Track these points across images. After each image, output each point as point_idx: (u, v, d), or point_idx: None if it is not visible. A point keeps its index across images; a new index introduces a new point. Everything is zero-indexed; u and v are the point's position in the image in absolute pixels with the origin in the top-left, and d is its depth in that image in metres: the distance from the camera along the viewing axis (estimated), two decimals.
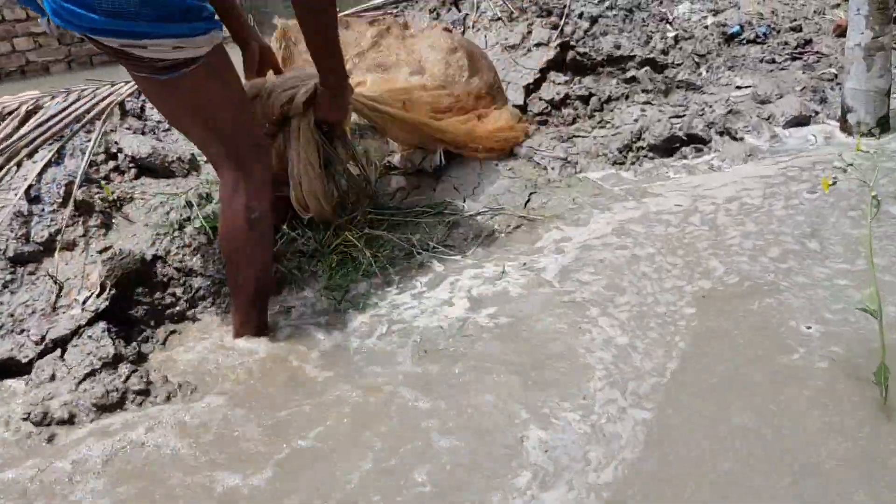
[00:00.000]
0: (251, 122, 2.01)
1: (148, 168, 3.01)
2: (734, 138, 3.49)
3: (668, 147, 3.45)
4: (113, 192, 2.85)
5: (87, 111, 3.21)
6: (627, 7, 4.21)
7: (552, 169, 3.38)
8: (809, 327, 2.16)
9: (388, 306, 2.54)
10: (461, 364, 2.13)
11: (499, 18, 4.08)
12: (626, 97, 3.91)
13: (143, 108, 3.30)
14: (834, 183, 1.68)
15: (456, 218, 2.99)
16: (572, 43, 4.03)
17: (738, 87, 4.02)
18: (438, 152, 3.24)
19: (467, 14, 4.14)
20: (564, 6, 4.11)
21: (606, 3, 4.18)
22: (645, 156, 3.44)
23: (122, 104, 3.28)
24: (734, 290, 2.41)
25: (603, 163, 3.42)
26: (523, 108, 3.77)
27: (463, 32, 4.10)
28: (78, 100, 3.29)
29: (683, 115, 3.62)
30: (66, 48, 7.23)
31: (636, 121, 3.62)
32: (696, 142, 3.46)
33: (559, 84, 3.83)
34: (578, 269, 2.62)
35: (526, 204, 3.10)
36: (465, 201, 3.10)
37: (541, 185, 3.23)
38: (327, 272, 2.73)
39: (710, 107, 3.75)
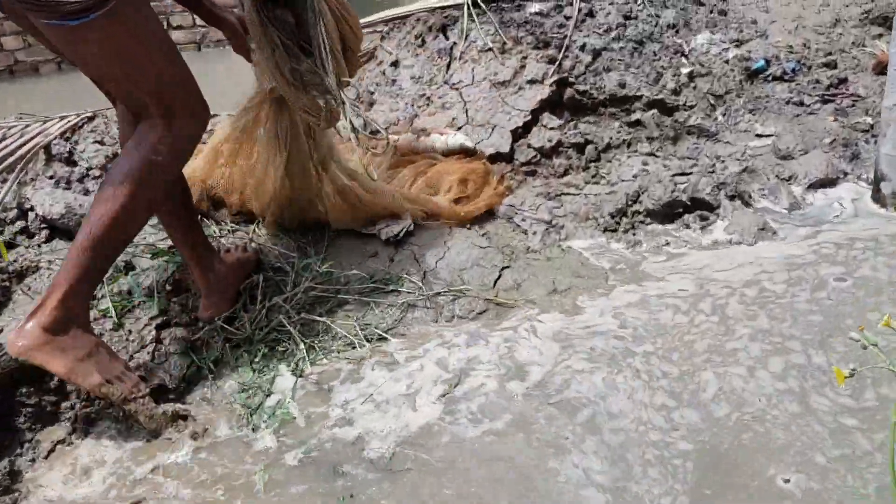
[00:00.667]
0: (181, 73, 1.81)
1: (62, 230, 2.63)
2: (747, 204, 3.02)
3: (668, 213, 2.99)
4: (14, 260, 2.47)
5: (9, 154, 2.84)
6: (637, 38, 3.73)
7: (534, 234, 2.94)
8: (788, 480, 1.76)
9: (310, 421, 2.14)
10: None
11: (489, 49, 3.63)
12: (628, 145, 3.45)
13: (71, 153, 2.92)
14: (851, 375, 1.23)
15: (412, 298, 2.57)
16: (571, 79, 3.58)
17: (759, 136, 3.54)
18: (404, 224, 2.84)
19: (455, 43, 3.69)
20: (564, 37, 3.65)
21: (612, 35, 3.70)
22: (641, 222, 2.99)
23: (48, 147, 2.90)
24: (714, 421, 2.00)
25: (592, 228, 2.98)
26: (509, 157, 3.33)
27: (449, 64, 3.67)
28: (1, 140, 2.93)
29: (690, 173, 3.16)
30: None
31: (635, 177, 3.16)
32: (702, 208, 3.00)
33: (552, 129, 3.38)
34: (550, 376, 2.21)
35: (496, 282, 2.67)
36: (425, 276, 2.68)
37: (517, 256, 2.80)
38: (248, 367, 2.34)
39: (723, 162, 3.28)
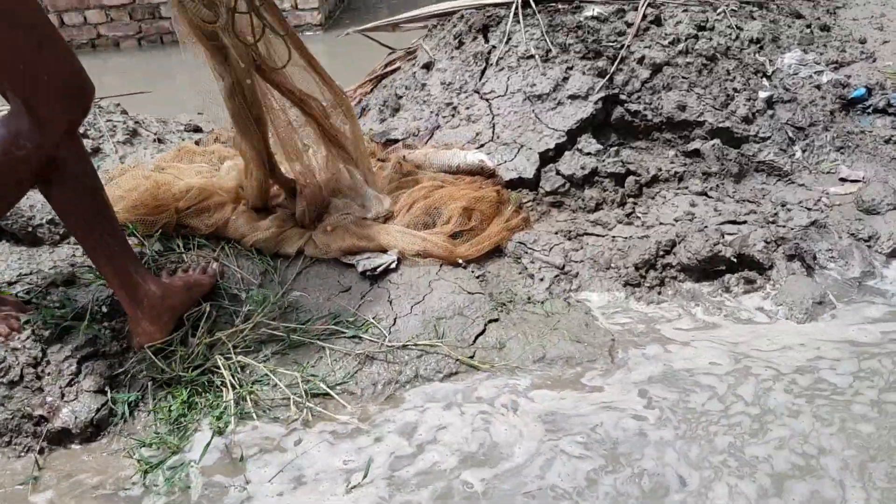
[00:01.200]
0: (61, 62, 1.62)
1: (5, 231, 2.40)
2: (808, 268, 2.46)
3: (707, 270, 2.48)
4: None
5: None
6: (709, 54, 3.18)
7: (540, 280, 2.50)
8: None
9: (206, 498, 1.82)
10: None
11: (531, 56, 3.17)
12: (679, 179, 2.93)
13: None
14: None
15: (373, 350, 2.20)
16: (622, 97, 3.08)
17: (842, 180, 2.94)
18: (386, 259, 2.47)
19: (494, 47, 3.25)
20: (621, 46, 3.14)
21: (679, 47, 3.17)
22: (672, 278, 2.50)
23: None
24: None
25: (612, 280, 2.50)
26: (534, 183, 2.88)
27: (483, 70, 3.23)
28: None
29: (743, 222, 2.62)
30: (136, 24, 6.89)
31: (676, 221, 2.65)
32: (751, 267, 2.47)
33: (588, 154, 2.91)
34: (525, 467, 1.82)
35: (477, 338, 2.26)
36: (395, 323, 2.29)
37: (512, 307, 2.37)
38: (165, 416, 2.03)
39: (788, 210, 2.72)
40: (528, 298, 2.45)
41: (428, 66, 3.43)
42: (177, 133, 3.41)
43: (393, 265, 2.46)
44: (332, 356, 2.20)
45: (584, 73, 3.11)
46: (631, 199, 2.87)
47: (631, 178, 2.90)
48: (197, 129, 3.49)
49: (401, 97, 3.45)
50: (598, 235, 2.68)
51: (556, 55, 3.18)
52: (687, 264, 2.48)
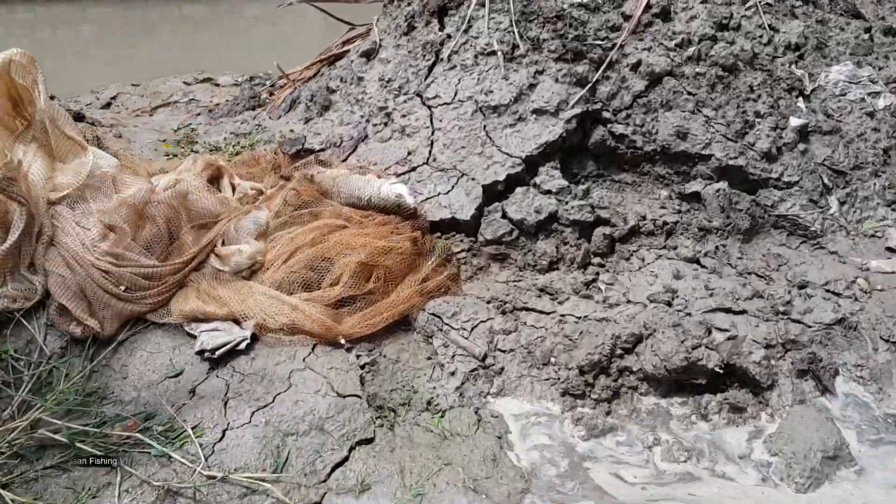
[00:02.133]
0: None
1: None
2: (825, 389, 1.73)
3: (679, 382, 1.76)
4: None
5: None
6: (727, 62, 2.40)
7: (451, 375, 1.82)
8: None
9: None
10: None
11: (492, 52, 2.43)
12: (668, 234, 2.20)
13: None
14: None
15: (180, 481, 1.55)
16: (607, 114, 2.33)
17: (891, 251, 2.17)
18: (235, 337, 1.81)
19: (449, 36, 2.51)
20: (613, 45, 2.38)
21: (689, 51, 2.40)
22: (631, 388, 1.79)
23: None
24: None
25: (547, 386, 1.81)
26: (471, 228, 2.17)
27: (432, 67, 2.50)
28: None
29: (742, 311, 1.89)
30: None
31: (650, 302, 1.93)
32: (742, 383, 1.75)
33: (548, 192, 2.18)
34: None
35: (333, 471, 1.59)
36: (222, 437, 1.64)
37: (400, 419, 1.70)
38: None
39: (809, 297, 1.98)
40: (428, 404, 1.76)
41: (368, 55, 2.71)
42: None
43: (243, 345, 1.78)
44: (125, 484, 1.55)
45: (557, 80, 2.36)
46: (597, 260, 2.14)
47: (601, 231, 2.17)
48: (79, 118, 2.83)
49: (333, 91, 2.74)
50: (541, 312, 1.97)
51: (524, 53, 2.43)
52: (652, 373, 1.77)
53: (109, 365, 1.80)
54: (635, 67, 2.38)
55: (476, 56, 2.46)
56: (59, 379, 1.73)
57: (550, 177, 2.23)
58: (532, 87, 2.38)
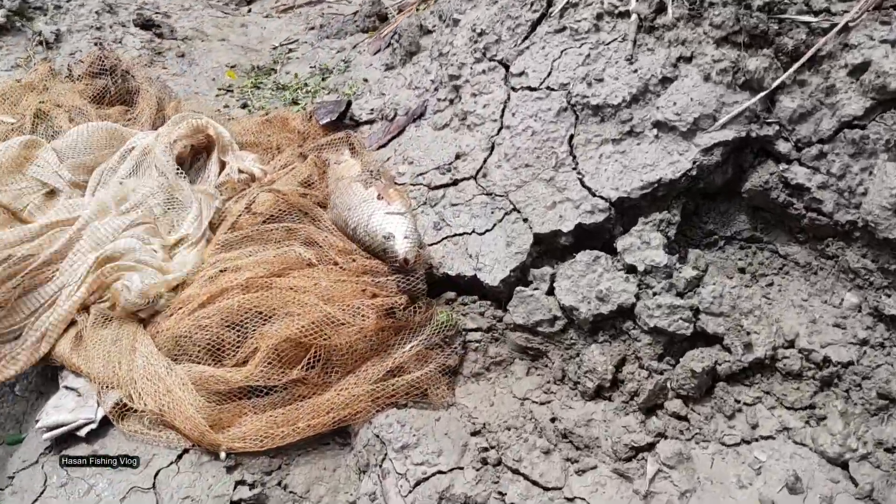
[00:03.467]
0: None
1: None
2: None
3: None
4: None
5: None
6: None
7: None
8: None
9: None
10: None
11: (624, 13, 1.55)
12: (822, 387, 1.28)
13: None
14: None
15: None
16: (785, 146, 1.41)
17: None
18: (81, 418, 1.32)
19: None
20: (831, 26, 1.40)
21: None
22: None
23: None
24: None
25: None
26: (498, 298, 1.43)
27: (535, 25, 1.68)
28: None
29: None
30: None
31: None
32: None
33: (631, 270, 1.36)
34: None
35: None
36: None
37: None
38: None
39: None
40: None
41: None
42: None
43: (83, 432, 1.28)
44: None
45: (709, 78, 1.45)
46: (675, 403, 1.30)
47: (699, 356, 1.30)
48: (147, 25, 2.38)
49: (427, 33, 2.02)
50: (537, 485, 1.21)
51: (670, 23, 1.51)
52: None
53: None
54: (856, 72, 1.37)
55: (598, 17, 1.58)
56: None
57: (645, 242, 1.37)
58: (666, 81, 1.48)
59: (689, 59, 1.49)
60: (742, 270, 1.48)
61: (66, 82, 1.98)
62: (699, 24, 1.49)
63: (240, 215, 1.53)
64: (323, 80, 2.17)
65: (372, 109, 1.85)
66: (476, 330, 1.44)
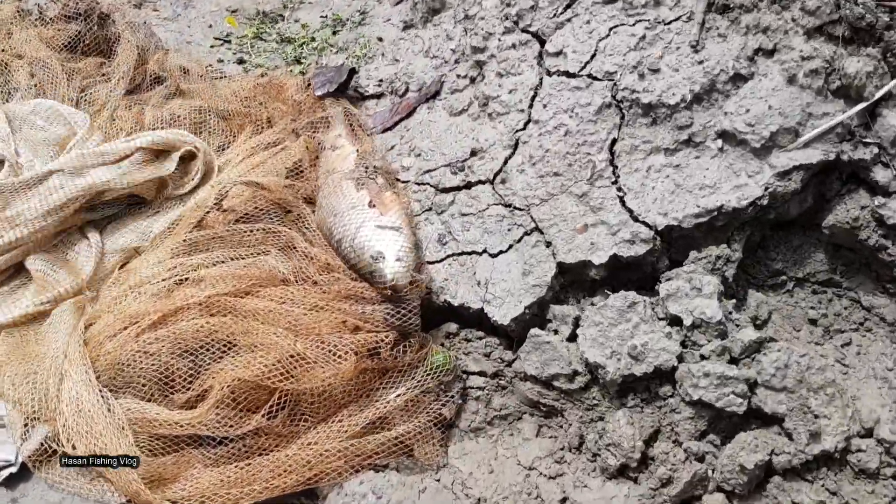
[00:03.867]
0: None
1: None
2: None
3: None
4: None
5: None
6: None
7: None
8: None
9: None
10: None
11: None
12: None
13: None
14: None
15: None
16: (884, 176, 1.10)
17: None
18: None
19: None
20: None
21: None
22: None
23: None
24: None
25: None
26: (508, 338, 1.18)
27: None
28: None
29: None
30: None
31: None
32: None
33: (676, 322, 1.08)
34: None
35: None
36: None
37: None
38: None
39: None
40: None
41: None
42: None
43: (9, 471, 1.08)
44: None
45: (794, 80, 1.15)
46: (718, 496, 1.04)
47: (751, 443, 1.04)
48: None
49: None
50: None
51: (752, 4, 1.20)
52: None
53: None
54: None
55: None
56: None
57: (695, 288, 1.09)
58: (739, 80, 1.17)
59: (770, 53, 1.18)
60: (813, 322, 1.20)
61: (37, 26, 1.72)
62: (787, 6, 1.18)
63: (208, 211, 1.28)
64: (334, 33, 1.88)
65: (381, 80, 1.56)
66: (479, 374, 1.19)
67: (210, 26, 1.96)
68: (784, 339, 1.16)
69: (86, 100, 1.59)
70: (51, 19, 1.74)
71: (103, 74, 1.67)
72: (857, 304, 1.20)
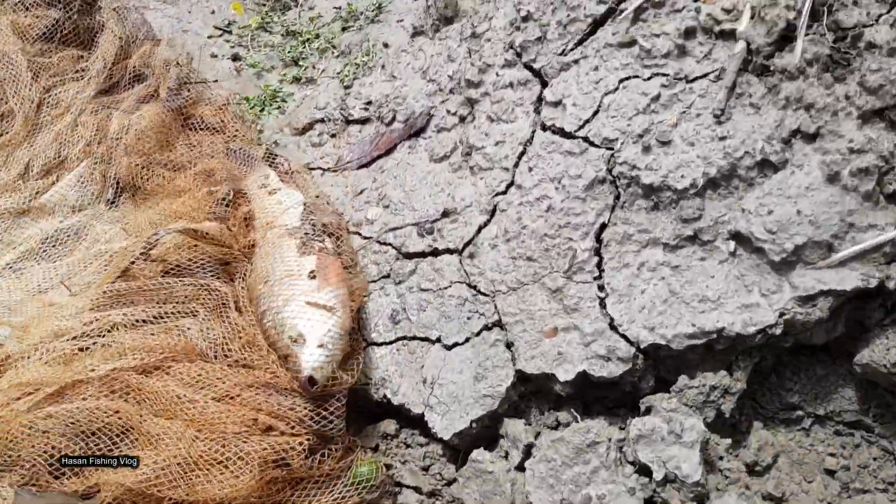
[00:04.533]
0: None
1: None
2: None
3: None
4: None
5: None
6: None
7: None
8: None
9: None
10: None
11: (728, 33, 0.98)
12: None
13: None
14: None
15: None
16: None
17: None
18: None
19: None
20: None
21: None
22: None
23: None
24: None
25: None
26: (455, 453, 0.99)
27: (598, 21, 1.13)
28: None
29: None
30: None
31: None
32: None
33: (644, 471, 0.88)
34: None
35: None
36: None
37: None
38: None
39: None
40: None
41: None
42: None
43: None
44: None
45: (841, 176, 0.88)
46: None
47: None
48: None
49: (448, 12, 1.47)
50: None
51: (797, 70, 0.94)
52: None
53: None
54: None
55: (688, 34, 1.02)
56: None
57: (673, 432, 0.89)
58: (766, 167, 0.93)
59: (811, 138, 0.92)
60: (830, 473, 0.96)
61: (16, 11, 1.58)
62: (842, 79, 0.91)
63: (133, 262, 1.13)
64: (343, 29, 1.68)
65: (370, 102, 1.36)
66: (415, 489, 1.01)
67: (213, 12, 1.79)
68: (789, 495, 0.93)
69: (49, 102, 1.45)
70: (31, 4, 1.59)
71: (77, 71, 1.52)
72: (889, 458, 0.96)
